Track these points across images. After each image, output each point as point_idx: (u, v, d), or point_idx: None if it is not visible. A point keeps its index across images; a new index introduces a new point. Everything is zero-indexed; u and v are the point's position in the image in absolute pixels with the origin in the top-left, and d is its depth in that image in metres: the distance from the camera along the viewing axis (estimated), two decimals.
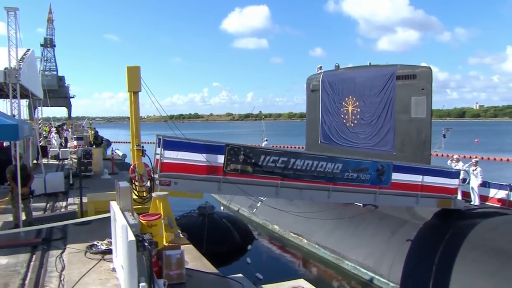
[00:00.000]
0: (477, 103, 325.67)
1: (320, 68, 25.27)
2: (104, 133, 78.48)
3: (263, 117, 37.68)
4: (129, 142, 13.63)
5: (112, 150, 39.24)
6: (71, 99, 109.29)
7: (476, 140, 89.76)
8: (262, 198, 24.51)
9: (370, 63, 21.87)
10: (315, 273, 18.08)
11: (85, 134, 36.73)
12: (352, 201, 17.75)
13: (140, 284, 5.42)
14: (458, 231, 15.44)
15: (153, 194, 10.96)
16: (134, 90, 12.40)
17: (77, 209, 13.07)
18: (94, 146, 29.30)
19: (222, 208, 26.52)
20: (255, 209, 25.35)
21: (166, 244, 8.55)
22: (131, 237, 5.51)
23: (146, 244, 5.54)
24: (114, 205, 7.33)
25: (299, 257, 19.47)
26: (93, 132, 37.01)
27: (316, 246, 19.37)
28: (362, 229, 18.33)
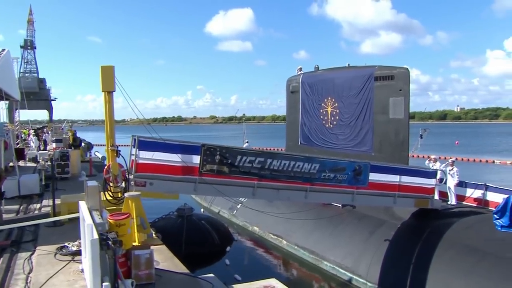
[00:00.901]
0: (458, 105, 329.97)
1: (300, 69, 25.31)
2: (87, 136, 77.72)
3: (244, 119, 37.68)
4: (121, 145, 13.48)
5: (90, 153, 38.83)
6: (52, 102, 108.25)
7: (456, 142, 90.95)
8: (242, 200, 24.57)
9: (349, 64, 21.98)
10: (294, 274, 18.07)
11: (64, 136, 36.28)
12: (330, 201, 17.80)
13: (103, 284, 5.30)
14: (435, 230, 15.55)
15: (126, 194, 10.80)
16: (108, 90, 12.18)
17: (50, 211, 12.82)
18: (72, 148, 28.95)
19: (202, 210, 26.39)
20: (235, 211, 25.33)
21: (137, 244, 8.43)
22: (95, 235, 5.39)
23: (110, 242, 5.43)
24: (83, 205, 7.20)
25: (279, 258, 19.44)
26: (71, 134, 36.58)
27: (295, 247, 19.36)
28: (341, 229, 18.37)
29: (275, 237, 20.91)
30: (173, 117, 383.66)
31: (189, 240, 18.73)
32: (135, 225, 9.75)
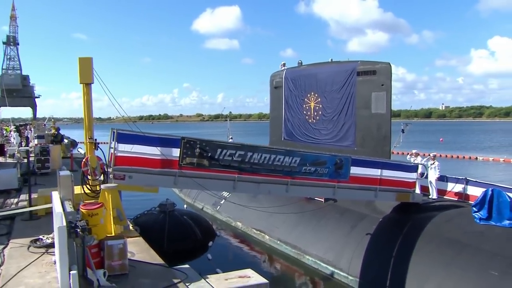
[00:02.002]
0: (443, 104, 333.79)
1: (284, 65, 25.30)
2: (72, 134, 76.82)
3: (228, 115, 37.68)
4: (101, 143, 13.34)
5: (71, 149, 38.38)
6: (36, 99, 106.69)
7: (441, 139, 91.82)
8: (225, 195, 24.52)
9: (331, 59, 22.00)
10: (276, 269, 18.05)
11: (46, 132, 35.81)
12: (311, 195, 17.83)
13: (71, 272, 5.20)
14: (416, 224, 15.63)
15: (102, 186, 10.67)
16: (86, 82, 12.06)
17: (27, 205, 12.64)
18: (53, 144, 28.57)
19: (185, 206, 26.25)
20: (218, 207, 25.26)
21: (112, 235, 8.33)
22: (62, 223, 5.29)
23: (78, 230, 5.33)
24: (55, 195, 7.08)
25: (261, 253, 19.41)
26: (54, 130, 36.14)
27: (278, 241, 19.35)
28: (323, 224, 18.39)
29: (258, 232, 20.88)
30: (159, 115, 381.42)
31: (171, 236, 18.61)
32: (112, 217, 9.64)
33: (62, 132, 41.93)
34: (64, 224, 5.24)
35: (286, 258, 18.39)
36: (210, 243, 20.03)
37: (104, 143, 12.40)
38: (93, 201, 9.64)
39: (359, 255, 15.67)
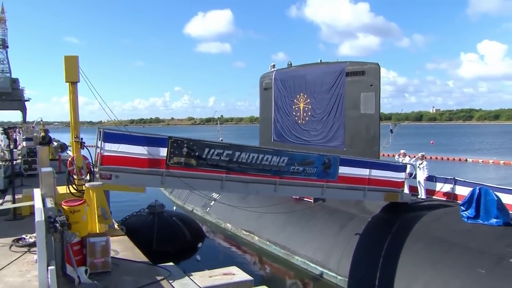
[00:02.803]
0: (433, 107, 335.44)
1: (273, 66, 25.30)
2: (63, 137, 76.27)
3: (218, 118, 37.69)
4: (90, 146, 13.20)
5: (59, 152, 38.06)
6: (26, 102, 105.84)
7: (431, 141, 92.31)
8: (215, 197, 24.43)
9: (321, 60, 22.03)
10: (266, 269, 17.97)
11: (35, 135, 35.50)
12: (299, 194, 17.82)
13: (49, 268, 5.10)
14: (404, 223, 15.65)
15: (87, 184, 10.56)
16: (72, 81, 11.95)
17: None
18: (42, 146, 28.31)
19: (174, 208, 26.11)
20: (208, 208, 25.17)
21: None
22: (41, 218, 5.20)
23: (57, 225, 5.25)
24: (36, 192, 6.99)
25: (250, 254, 19.33)
26: (43, 132, 35.82)
27: (267, 242, 19.29)
28: (312, 224, 18.37)
29: (247, 233, 20.81)
30: (151, 118, 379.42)
31: (160, 237, 18.54)
32: (96, 215, 9.54)
33: (53, 135, 41.59)
34: (41, 218, 5.14)
35: (275, 258, 18.33)
36: (199, 244, 19.96)
37: (93, 146, 12.27)
38: (75, 198, 9.55)
39: (348, 255, 15.65)
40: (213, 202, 24.68)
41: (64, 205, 6.68)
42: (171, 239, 19.18)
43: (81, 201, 6.95)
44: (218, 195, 24.06)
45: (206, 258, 18.01)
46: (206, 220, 24.56)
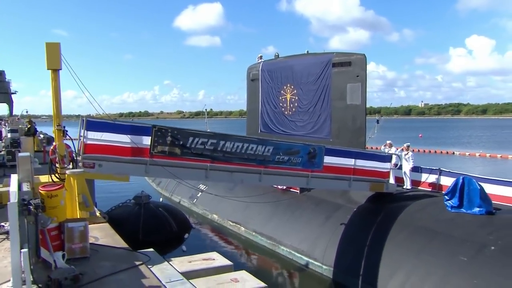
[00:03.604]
0: (422, 101, 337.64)
1: (260, 57, 25.22)
2: (50, 131, 75.52)
3: (206, 111, 37.55)
4: (74, 139, 13.05)
5: (44, 145, 37.76)
6: (13, 95, 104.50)
7: (420, 135, 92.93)
8: (202, 188, 24.37)
9: (308, 51, 22.00)
10: (251, 259, 17.99)
11: (20, 126, 35.15)
12: (284, 184, 17.82)
13: (22, 250, 5.02)
14: (389, 213, 15.72)
15: (67, 172, 10.45)
16: (54, 68, 11.83)
17: None
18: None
19: (161, 199, 26.03)
20: (195, 200, 25.12)
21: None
22: (14, 200, 5.12)
23: (31, 208, 5.17)
24: (13, 177, 6.89)
25: (236, 245, 19.34)
26: (28, 124, 35.47)
27: (253, 233, 19.30)
28: (298, 215, 18.40)
29: (234, 224, 20.81)
30: (140, 112, 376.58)
31: (147, 228, 18.51)
32: (77, 203, 9.46)
33: (40, 129, 41.17)
34: (14, 200, 5.06)
35: (261, 249, 18.35)
36: (186, 235, 19.99)
37: (76, 139, 12.15)
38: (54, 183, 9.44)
39: (333, 245, 15.71)
40: (200, 193, 24.63)
41: (41, 190, 6.59)
42: (157, 229, 19.16)
43: (59, 186, 6.86)
44: (205, 186, 24.02)
45: (192, 248, 17.92)
46: (193, 211, 24.53)
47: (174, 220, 19.85)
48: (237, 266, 11.05)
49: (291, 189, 19.79)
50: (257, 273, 16.57)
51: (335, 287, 14.89)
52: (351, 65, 19.18)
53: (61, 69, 11.96)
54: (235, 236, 20.20)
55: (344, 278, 14.76)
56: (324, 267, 15.45)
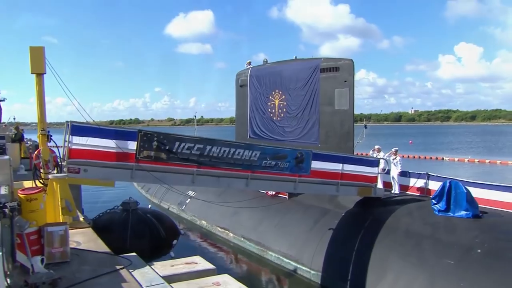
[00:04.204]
0: (412, 108, 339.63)
1: (249, 63, 25.24)
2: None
3: (195, 117, 37.65)
4: (60, 146, 12.91)
5: (30, 151, 37.49)
6: (2, 103, 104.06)
7: (410, 141, 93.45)
8: (191, 194, 24.28)
9: (296, 56, 22.06)
10: (240, 265, 17.91)
11: (7, 133, 34.85)
12: (271, 189, 17.79)
13: None
14: (377, 218, 15.73)
15: (50, 176, 10.33)
16: (38, 72, 11.73)
17: None
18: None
19: (150, 206, 25.84)
20: (184, 206, 24.99)
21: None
22: None
23: (6, 210, 5.08)
24: None
25: (225, 251, 19.25)
26: (15, 130, 35.22)
27: (242, 239, 19.22)
28: (286, 220, 18.35)
29: (222, 230, 20.71)
30: (130, 119, 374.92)
31: (134, 234, 18.30)
32: (60, 208, 9.34)
33: (29, 136, 40.83)
34: None
35: (249, 255, 18.28)
36: (174, 242, 19.75)
37: (61, 146, 12.03)
38: (47, 195, 9.35)
39: (321, 250, 15.67)
40: (188, 199, 24.52)
41: (20, 193, 6.49)
42: (145, 236, 18.98)
43: (39, 189, 6.77)
44: (194, 192, 23.92)
45: (181, 255, 17.63)
46: (182, 218, 24.41)
47: (162, 227, 19.60)
48: (224, 272, 10.98)
49: (279, 195, 19.76)
50: (245, 278, 16.61)
51: None
52: (338, 71, 19.25)
53: (45, 73, 11.87)
54: (223, 242, 20.10)
55: (332, 283, 14.72)
56: (312, 272, 15.40)
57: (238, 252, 18.79)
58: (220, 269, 11.14)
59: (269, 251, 17.50)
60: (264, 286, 16.02)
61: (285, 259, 16.69)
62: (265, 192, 19.52)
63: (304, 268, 15.79)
